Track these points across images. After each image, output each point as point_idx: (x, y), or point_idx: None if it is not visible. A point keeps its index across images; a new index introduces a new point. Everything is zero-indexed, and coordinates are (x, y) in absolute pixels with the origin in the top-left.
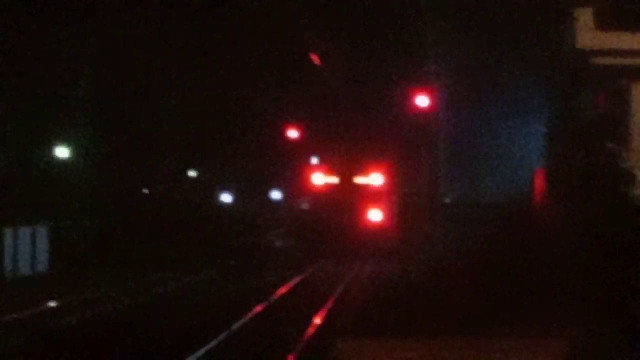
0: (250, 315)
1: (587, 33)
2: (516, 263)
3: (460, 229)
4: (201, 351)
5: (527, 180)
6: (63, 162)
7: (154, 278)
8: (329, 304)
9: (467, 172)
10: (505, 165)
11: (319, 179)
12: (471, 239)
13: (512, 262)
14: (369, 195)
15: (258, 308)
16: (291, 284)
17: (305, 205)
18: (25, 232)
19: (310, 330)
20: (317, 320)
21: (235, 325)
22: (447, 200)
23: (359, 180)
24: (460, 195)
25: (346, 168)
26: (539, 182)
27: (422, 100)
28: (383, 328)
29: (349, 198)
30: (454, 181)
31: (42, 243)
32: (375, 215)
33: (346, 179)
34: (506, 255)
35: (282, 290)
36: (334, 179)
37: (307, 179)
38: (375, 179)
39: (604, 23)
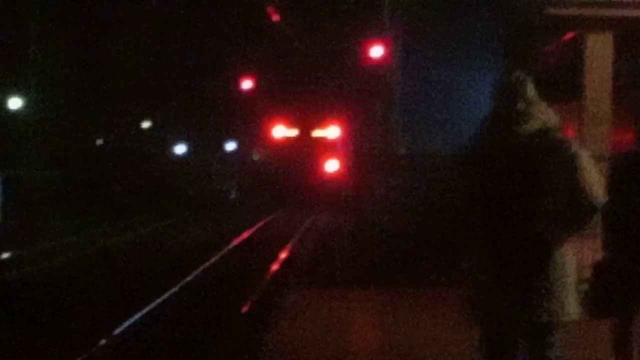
0: (202, 267)
1: None
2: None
3: (414, 178)
4: (149, 307)
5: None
6: (16, 113)
7: (109, 229)
8: (283, 255)
9: (423, 124)
10: (460, 116)
11: (274, 131)
12: (425, 189)
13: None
14: (324, 147)
15: (211, 259)
16: (245, 234)
17: (260, 157)
18: None
19: (264, 282)
20: (271, 272)
21: (188, 278)
22: (403, 152)
23: (314, 132)
24: (415, 147)
25: (301, 120)
26: None
27: (377, 52)
28: (336, 279)
29: (304, 149)
30: (409, 133)
31: None
32: (331, 166)
33: (302, 131)
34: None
35: (236, 241)
36: (290, 132)
37: (263, 131)
38: (331, 131)
39: None
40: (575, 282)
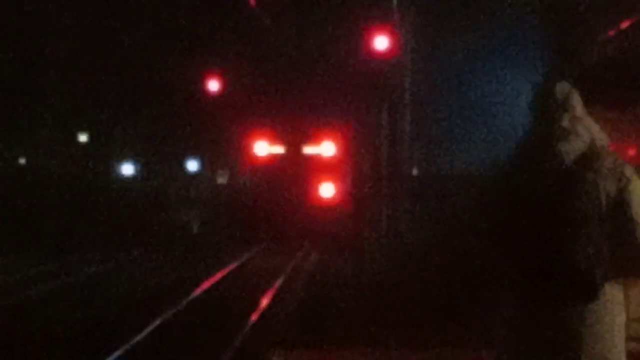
0: (156, 322)
1: None
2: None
3: (430, 207)
4: None
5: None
6: None
7: (33, 271)
8: (262, 305)
9: (441, 137)
10: (488, 128)
11: (251, 146)
12: (442, 221)
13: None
14: (316, 167)
15: (168, 311)
16: (213, 279)
17: (232, 179)
18: None
19: (239, 340)
20: (247, 327)
21: (139, 337)
22: (415, 173)
23: (304, 149)
24: (431, 167)
25: (287, 133)
26: None
27: (381, 42)
28: (324, 336)
29: (291, 170)
30: (423, 148)
31: None
32: (324, 191)
33: (288, 147)
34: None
35: (201, 288)
36: (272, 148)
37: (236, 147)
38: (324, 147)
39: None
40: (623, 338)
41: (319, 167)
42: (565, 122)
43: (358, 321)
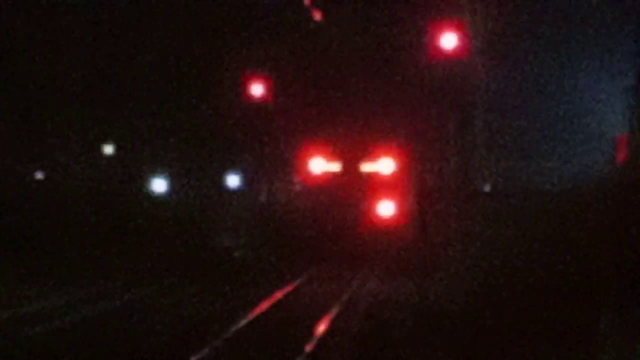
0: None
1: None
2: (593, 280)
3: (505, 228)
4: None
5: (605, 156)
6: None
7: (51, 302)
8: (312, 342)
9: (516, 148)
10: (574, 137)
11: (304, 163)
12: (521, 244)
13: (587, 279)
14: (376, 184)
15: (206, 349)
16: (257, 310)
17: (282, 197)
18: None
19: None
20: None
21: None
22: (486, 189)
23: (361, 167)
24: (505, 182)
25: (342, 148)
26: (624, 152)
27: (449, 41)
28: None
29: (348, 188)
30: (496, 162)
31: None
32: (384, 210)
33: (344, 164)
34: (576, 266)
35: (244, 320)
36: (327, 165)
37: (288, 162)
38: (385, 163)
39: None
40: None
41: (377, 184)
42: None
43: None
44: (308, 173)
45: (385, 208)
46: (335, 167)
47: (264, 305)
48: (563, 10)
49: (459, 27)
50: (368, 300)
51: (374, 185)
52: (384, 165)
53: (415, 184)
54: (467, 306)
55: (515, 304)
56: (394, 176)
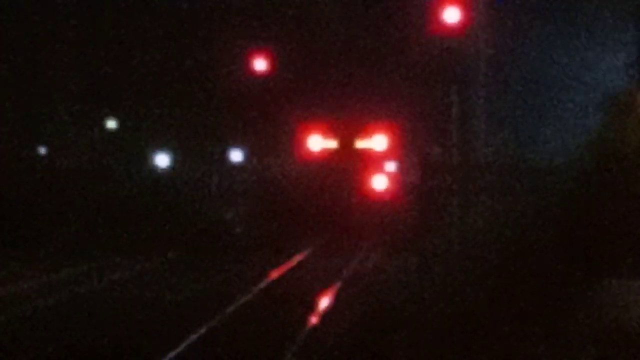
0: (196, 335)
1: None
2: (593, 252)
3: (504, 202)
4: None
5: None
6: None
7: (61, 274)
8: (311, 324)
9: (514, 121)
10: (572, 110)
11: (305, 140)
12: (521, 217)
13: (586, 252)
14: (372, 158)
15: (210, 322)
16: (260, 285)
17: (283, 171)
18: None
19: (287, 357)
20: (297, 343)
21: (176, 352)
22: (485, 162)
23: (358, 142)
24: (503, 155)
25: (341, 124)
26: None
27: (450, 14)
28: (385, 353)
29: (344, 164)
30: (495, 135)
31: None
32: (382, 183)
33: (342, 140)
34: (575, 243)
35: (246, 296)
36: (327, 142)
37: (288, 138)
38: (379, 139)
39: None
40: None
41: (371, 160)
42: None
43: (423, 337)
44: (307, 150)
45: (382, 182)
46: (332, 144)
47: (266, 281)
48: None
49: (462, 1)
50: (368, 275)
51: (371, 158)
52: (380, 140)
53: (414, 157)
54: (463, 280)
55: (512, 277)
56: (387, 152)
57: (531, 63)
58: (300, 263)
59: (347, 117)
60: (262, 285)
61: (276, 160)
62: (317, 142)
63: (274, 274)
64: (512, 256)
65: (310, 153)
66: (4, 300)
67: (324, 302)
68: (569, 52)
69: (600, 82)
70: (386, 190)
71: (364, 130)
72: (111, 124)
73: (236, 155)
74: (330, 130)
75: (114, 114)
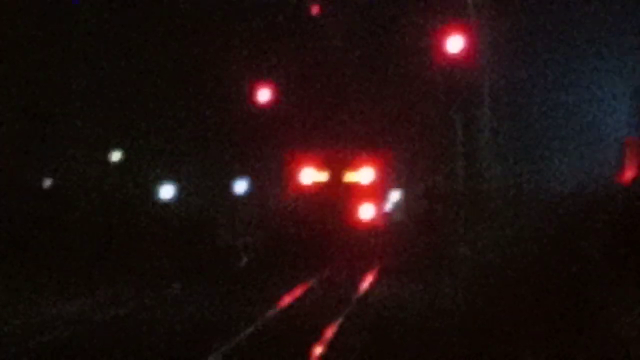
0: None
1: None
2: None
3: (510, 229)
4: None
5: (612, 157)
6: None
7: (59, 310)
8: (321, 346)
9: (520, 149)
10: (581, 139)
11: (302, 175)
12: (527, 245)
13: (596, 277)
14: (356, 192)
15: (216, 354)
16: (267, 316)
17: (290, 200)
18: None
19: None
20: None
21: None
22: (491, 191)
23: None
24: (510, 184)
25: (330, 159)
26: (633, 156)
27: (455, 44)
28: None
29: (333, 194)
30: (499, 164)
31: None
32: (365, 213)
33: (333, 174)
34: (586, 269)
35: (254, 324)
36: (320, 175)
37: (299, 164)
38: (382, 169)
39: None
40: None
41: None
42: None
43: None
44: (299, 182)
45: (366, 211)
46: (323, 177)
47: (272, 312)
48: (571, 10)
49: (465, 31)
50: (375, 306)
51: (356, 192)
52: (363, 175)
53: (422, 186)
54: (474, 307)
55: (522, 304)
56: (374, 184)
57: (538, 91)
58: (305, 294)
59: (339, 150)
60: (270, 315)
61: (278, 191)
62: (309, 175)
63: (280, 304)
64: (512, 284)
65: (302, 186)
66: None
67: (330, 332)
68: (577, 81)
69: (608, 114)
70: (372, 220)
71: (352, 164)
72: (116, 155)
73: (241, 186)
74: (321, 163)
75: (119, 146)
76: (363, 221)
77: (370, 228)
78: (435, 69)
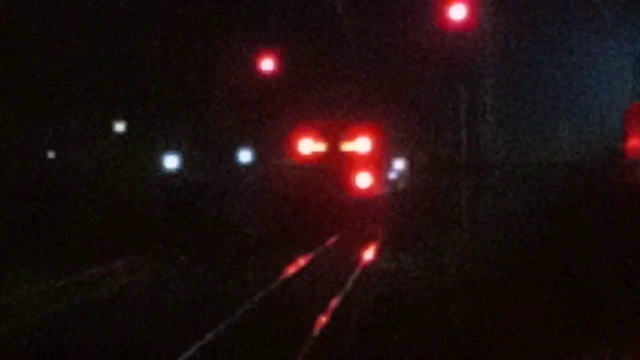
0: (205, 342)
1: None
2: (607, 252)
3: (514, 200)
4: None
5: (614, 126)
6: None
7: (63, 281)
8: (314, 334)
9: (522, 118)
10: (582, 107)
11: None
12: (530, 216)
13: (601, 251)
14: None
15: (220, 327)
16: (270, 288)
17: (285, 171)
18: None
19: None
20: (306, 346)
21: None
22: (494, 160)
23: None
24: (511, 154)
25: (329, 129)
26: (636, 122)
27: (457, 11)
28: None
29: (332, 164)
30: (502, 134)
31: None
32: (362, 181)
33: (330, 144)
34: (589, 241)
35: (248, 304)
36: (317, 145)
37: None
38: (379, 137)
39: None
40: None
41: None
42: None
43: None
44: (298, 152)
45: (363, 180)
46: (321, 147)
47: (275, 283)
48: None
49: None
50: (377, 279)
51: (354, 161)
52: (360, 145)
53: (425, 155)
54: (478, 283)
55: (526, 281)
56: (371, 153)
57: (540, 60)
58: (309, 264)
59: (336, 120)
60: (273, 288)
61: (281, 161)
62: (309, 145)
63: (283, 276)
64: (522, 252)
65: (303, 155)
66: (9, 307)
67: (335, 303)
68: (579, 49)
69: (612, 79)
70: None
71: (350, 133)
72: (119, 126)
73: (245, 156)
74: (319, 134)
75: (122, 117)
76: (360, 189)
77: (368, 196)
78: (438, 37)
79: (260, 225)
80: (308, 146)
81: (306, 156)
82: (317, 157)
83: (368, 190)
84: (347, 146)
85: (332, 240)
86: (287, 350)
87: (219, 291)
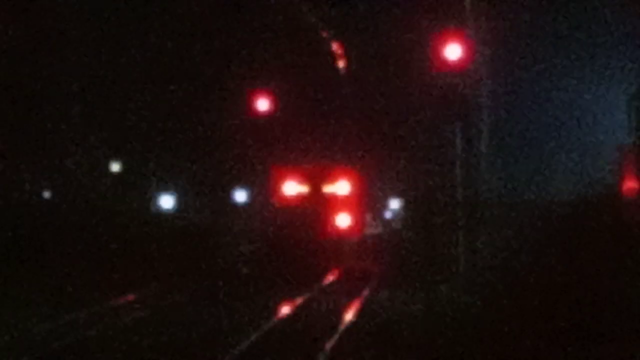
0: None
1: None
2: (601, 287)
3: (509, 236)
4: None
5: (611, 164)
6: None
7: (62, 320)
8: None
9: (516, 157)
10: (576, 145)
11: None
12: (527, 253)
13: (596, 287)
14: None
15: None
16: (268, 325)
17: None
18: None
19: None
20: None
21: None
22: (489, 199)
23: (325, 188)
24: (506, 191)
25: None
26: (630, 163)
27: (453, 51)
28: None
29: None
30: (497, 172)
31: None
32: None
33: (313, 187)
34: (585, 277)
35: (255, 335)
36: (301, 187)
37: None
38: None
39: None
40: None
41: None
42: None
43: None
44: (283, 194)
45: (342, 220)
46: (304, 189)
47: (273, 321)
48: (568, 14)
49: (461, 38)
50: (377, 310)
51: (334, 204)
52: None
53: (423, 197)
54: (474, 315)
55: (521, 314)
56: (350, 195)
57: (535, 98)
58: (305, 303)
59: (319, 164)
60: (271, 325)
61: (274, 200)
62: (292, 188)
63: (281, 314)
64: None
65: (286, 197)
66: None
67: (332, 342)
68: (573, 88)
69: (606, 119)
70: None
71: (330, 176)
72: (115, 166)
73: (240, 196)
74: (303, 177)
75: (118, 157)
76: (340, 230)
77: (347, 236)
78: (433, 76)
79: (254, 264)
80: (292, 188)
81: (290, 197)
82: (299, 199)
83: (348, 230)
84: (328, 188)
85: (329, 278)
86: None
87: (216, 327)
